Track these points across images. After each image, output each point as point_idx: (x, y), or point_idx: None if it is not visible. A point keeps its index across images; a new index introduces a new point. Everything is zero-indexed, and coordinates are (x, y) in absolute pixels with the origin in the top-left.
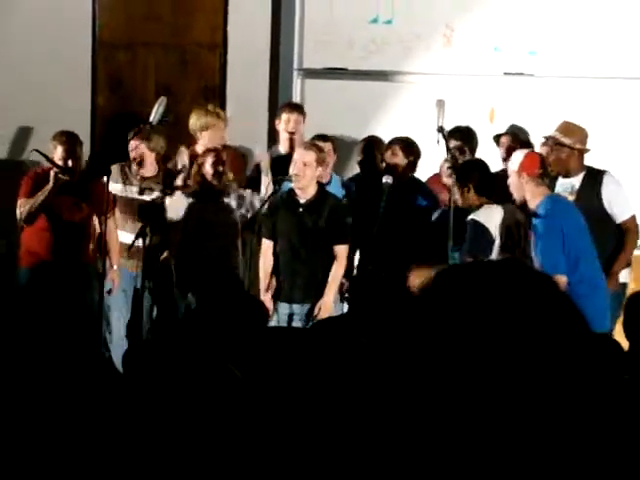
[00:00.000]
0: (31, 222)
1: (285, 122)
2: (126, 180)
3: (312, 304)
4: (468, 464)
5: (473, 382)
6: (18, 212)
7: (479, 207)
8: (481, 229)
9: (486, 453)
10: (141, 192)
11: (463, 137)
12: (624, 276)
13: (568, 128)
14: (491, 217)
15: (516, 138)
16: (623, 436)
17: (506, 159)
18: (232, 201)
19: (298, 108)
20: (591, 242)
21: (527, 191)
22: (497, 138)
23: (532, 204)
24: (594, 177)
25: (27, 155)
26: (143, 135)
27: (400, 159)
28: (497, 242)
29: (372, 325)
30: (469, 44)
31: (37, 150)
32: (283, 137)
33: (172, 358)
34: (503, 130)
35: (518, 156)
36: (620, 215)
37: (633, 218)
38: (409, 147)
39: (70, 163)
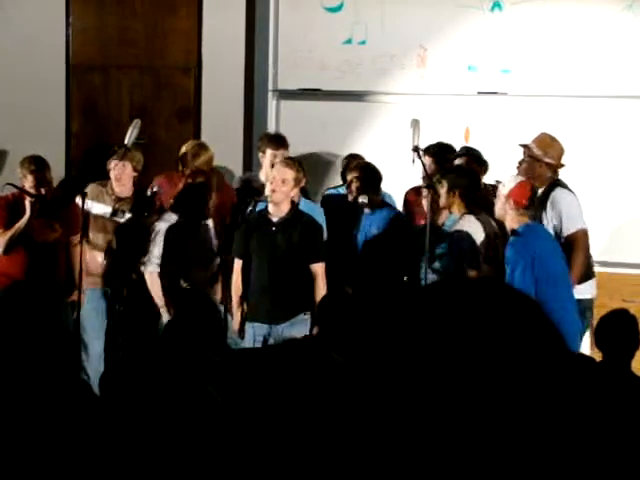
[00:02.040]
0: (10, 251)
1: (271, 157)
2: (101, 199)
3: (286, 324)
4: None
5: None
6: None
7: (460, 217)
8: (469, 240)
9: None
10: (114, 213)
11: (439, 154)
12: (590, 291)
13: (541, 139)
14: (475, 229)
15: (471, 159)
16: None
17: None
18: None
19: (282, 143)
20: (564, 267)
21: (508, 215)
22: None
23: (509, 227)
24: (547, 192)
25: (3, 179)
26: (125, 154)
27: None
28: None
29: (342, 343)
30: (443, 64)
31: (11, 184)
32: (267, 169)
33: (150, 380)
34: (478, 148)
35: (511, 182)
36: (566, 229)
37: (580, 232)
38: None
39: (42, 191)
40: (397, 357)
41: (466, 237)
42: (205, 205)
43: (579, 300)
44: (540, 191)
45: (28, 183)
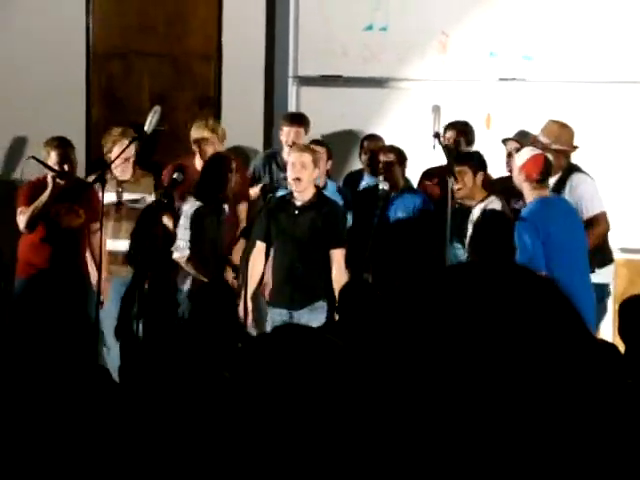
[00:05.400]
0: (33, 228)
1: (286, 135)
2: (107, 186)
3: (305, 310)
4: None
5: (468, 385)
6: (19, 220)
7: (481, 200)
8: (501, 216)
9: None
10: (119, 195)
11: (459, 131)
12: (606, 276)
13: (548, 128)
14: (501, 206)
15: (521, 143)
16: (628, 440)
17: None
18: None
19: (298, 120)
20: (583, 241)
21: (524, 189)
22: (504, 142)
23: (526, 198)
24: (565, 177)
25: (22, 165)
26: (124, 131)
27: (397, 166)
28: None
29: (363, 331)
30: (464, 50)
31: (33, 157)
32: (285, 148)
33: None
34: (500, 135)
35: (525, 154)
36: (586, 211)
37: (601, 214)
38: (402, 154)
39: (66, 167)
40: (411, 343)
41: (492, 215)
42: (225, 189)
43: (599, 285)
44: (556, 177)
45: (52, 160)
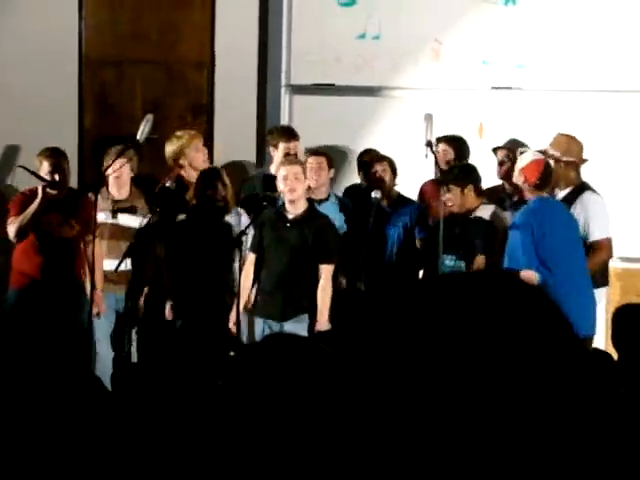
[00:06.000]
0: (23, 237)
1: (284, 150)
2: (98, 205)
3: (292, 322)
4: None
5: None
6: (9, 229)
7: (476, 208)
8: (492, 227)
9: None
10: (114, 216)
11: (453, 145)
12: (601, 299)
13: (557, 140)
14: (496, 216)
15: (512, 152)
16: (620, 447)
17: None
18: (231, 219)
19: (294, 135)
20: (578, 239)
21: (523, 188)
22: (495, 151)
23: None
24: (576, 193)
25: (12, 174)
26: (122, 151)
27: (389, 175)
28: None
29: (356, 340)
30: (457, 58)
31: (22, 166)
32: (278, 162)
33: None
34: (492, 144)
35: (527, 158)
36: (592, 234)
37: (606, 240)
38: (394, 164)
39: (57, 177)
40: (399, 350)
41: (485, 224)
42: (218, 201)
43: None
44: (567, 191)
45: (43, 170)
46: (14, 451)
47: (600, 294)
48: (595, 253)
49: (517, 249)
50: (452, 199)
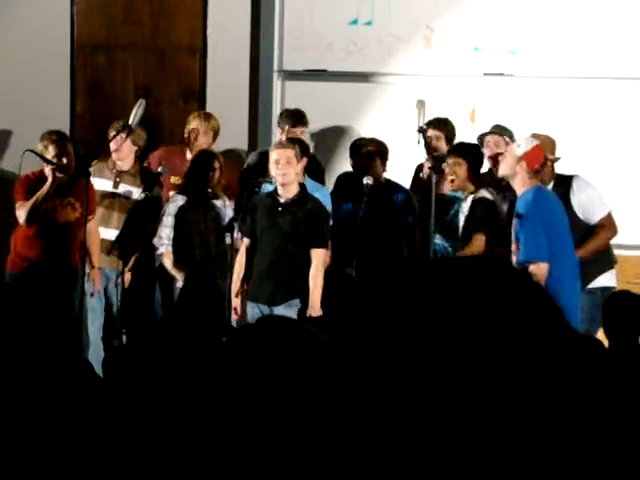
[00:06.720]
0: (33, 222)
1: (287, 135)
2: (102, 174)
3: (283, 306)
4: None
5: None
6: (19, 214)
7: (472, 192)
8: (492, 205)
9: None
10: (115, 185)
11: (440, 127)
12: (610, 279)
13: (542, 141)
14: (493, 196)
15: (501, 137)
16: (615, 435)
17: (491, 158)
18: (221, 205)
19: (300, 121)
20: (569, 232)
21: (518, 178)
22: (481, 138)
23: (518, 190)
24: (562, 183)
25: (8, 159)
26: (123, 127)
27: (378, 158)
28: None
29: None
30: (449, 44)
31: (31, 150)
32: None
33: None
34: (486, 130)
35: (527, 143)
36: (594, 216)
37: (608, 215)
38: (383, 147)
39: (64, 160)
40: (395, 338)
41: (484, 203)
42: (210, 185)
43: (606, 288)
44: (551, 186)
45: (50, 154)
46: (7, 434)
47: (611, 275)
48: (604, 230)
49: (530, 239)
50: (455, 175)
